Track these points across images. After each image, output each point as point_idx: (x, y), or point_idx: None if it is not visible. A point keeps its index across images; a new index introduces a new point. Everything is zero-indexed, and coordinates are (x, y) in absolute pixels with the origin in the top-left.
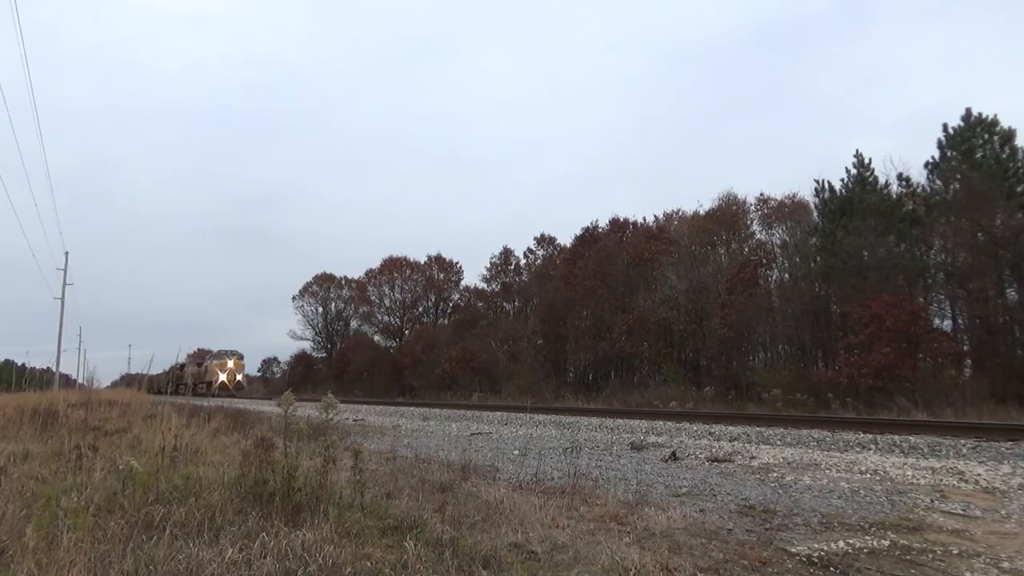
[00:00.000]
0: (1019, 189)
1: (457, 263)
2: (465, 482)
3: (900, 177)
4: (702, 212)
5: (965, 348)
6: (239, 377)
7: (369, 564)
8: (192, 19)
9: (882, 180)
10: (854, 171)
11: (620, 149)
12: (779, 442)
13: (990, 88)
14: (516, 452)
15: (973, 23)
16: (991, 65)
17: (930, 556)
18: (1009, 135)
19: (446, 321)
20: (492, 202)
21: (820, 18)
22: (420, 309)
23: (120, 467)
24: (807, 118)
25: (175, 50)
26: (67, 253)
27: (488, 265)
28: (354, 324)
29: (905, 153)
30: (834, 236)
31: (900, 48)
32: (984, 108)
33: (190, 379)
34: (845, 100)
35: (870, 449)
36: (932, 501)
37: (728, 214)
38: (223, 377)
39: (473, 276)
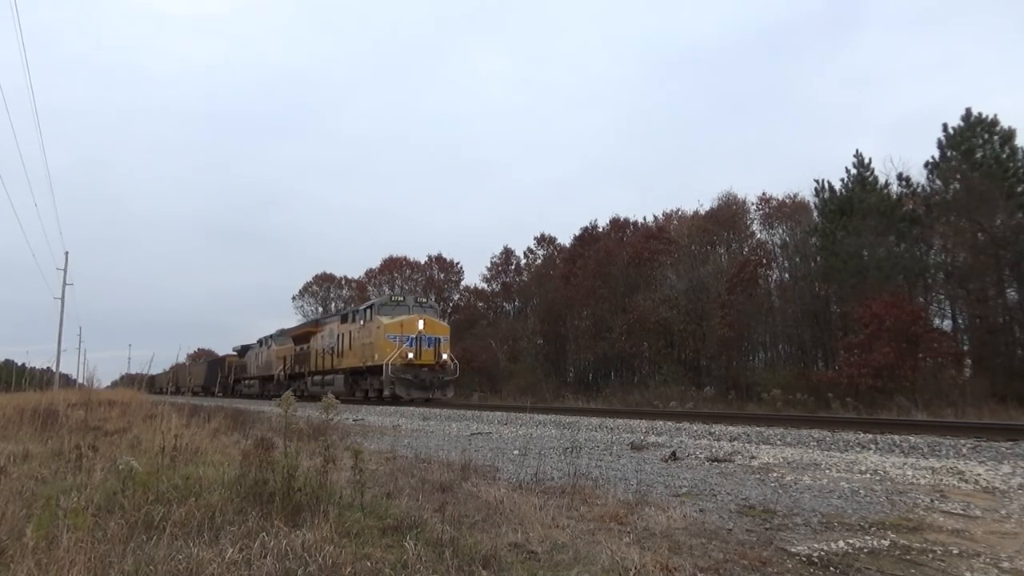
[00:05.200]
0: (1019, 189)
1: (457, 263)
2: (465, 482)
3: (900, 177)
4: (702, 212)
5: (965, 348)
6: (445, 355)
7: (369, 564)
8: (191, 22)
9: (882, 180)
10: (854, 171)
11: (620, 150)
12: (779, 442)
13: (990, 88)
14: (516, 452)
15: (972, 24)
16: (991, 66)
17: (930, 556)
18: (1009, 135)
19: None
20: (492, 202)
21: (816, 20)
22: None
23: (120, 467)
24: (806, 119)
25: (175, 53)
26: (67, 253)
27: (488, 265)
28: None
29: (905, 153)
30: (834, 236)
31: (899, 49)
32: (984, 108)
33: (281, 366)
34: (844, 101)
35: (870, 449)
36: (932, 501)
37: (728, 214)
38: (411, 354)
39: (473, 276)
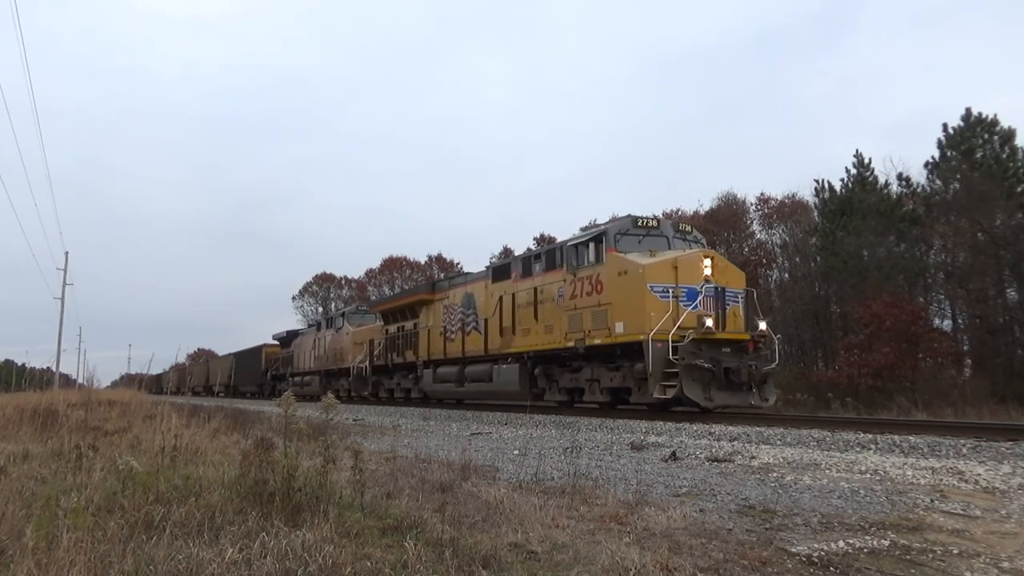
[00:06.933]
0: (1019, 189)
1: (457, 263)
2: (465, 482)
3: (900, 177)
4: (702, 212)
5: (965, 348)
6: (764, 324)
7: (369, 564)
8: (192, 24)
9: (882, 180)
10: (854, 171)
11: (619, 150)
12: (779, 442)
13: (990, 88)
14: (516, 452)
15: (972, 24)
16: (991, 65)
17: (930, 556)
18: (1009, 135)
19: None
20: (492, 202)
21: (815, 21)
22: None
23: (120, 467)
24: (806, 119)
25: (175, 54)
26: (67, 253)
27: (488, 265)
28: None
29: (905, 153)
30: (834, 236)
31: (899, 49)
32: (984, 108)
33: (363, 354)
34: (844, 101)
35: (870, 449)
36: (932, 501)
37: (728, 214)
38: (709, 320)
39: None
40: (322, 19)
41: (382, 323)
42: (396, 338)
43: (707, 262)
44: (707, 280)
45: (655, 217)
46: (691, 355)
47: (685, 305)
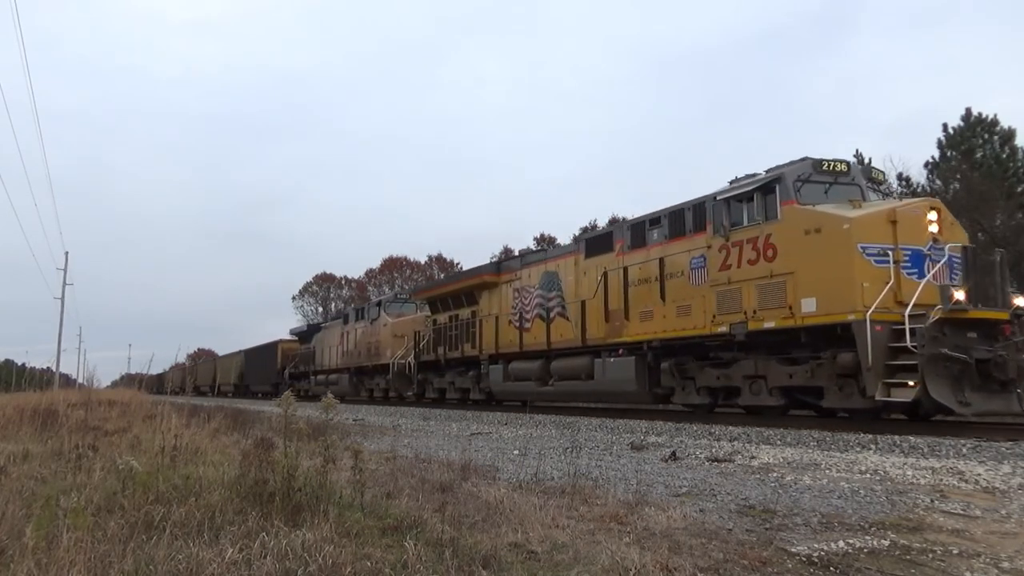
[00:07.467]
0: (1019, 189)
1: (457, 263)
2: (465, 482)
3: (900, 177)
4: None
5: None
6: (1021, 299)
7: (369, 564)
8: (192, 24)
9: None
10: None
11: (619, 150)
12: (779, 442)
13: (990, 88)
14: (516, 452)
15: (972, 24)
16: (990, 65)
17: (930, 556)
18: (1009, 135)
19: None
20: (492, 202)
21: (815, 21)
22: None
23: (120, 467)
24: (806, 119)
25: (175, 55)
26: (67, 253)
27: None
28: None
29: (905, 153)
30: None
31: (898, 49)
32: (984, 108)
33: (404, 348)
34: (844, 101)
35: (870, 449)
36: (932, 501)
37: None
38: (959, 294)
39: None
40: (322, 19)
41: (428, 312)
42: (448, 329)
43: (932, 215)
44: (934, 240)
45: (844, 160)
46: (934, 342)
47: (909, 274)
